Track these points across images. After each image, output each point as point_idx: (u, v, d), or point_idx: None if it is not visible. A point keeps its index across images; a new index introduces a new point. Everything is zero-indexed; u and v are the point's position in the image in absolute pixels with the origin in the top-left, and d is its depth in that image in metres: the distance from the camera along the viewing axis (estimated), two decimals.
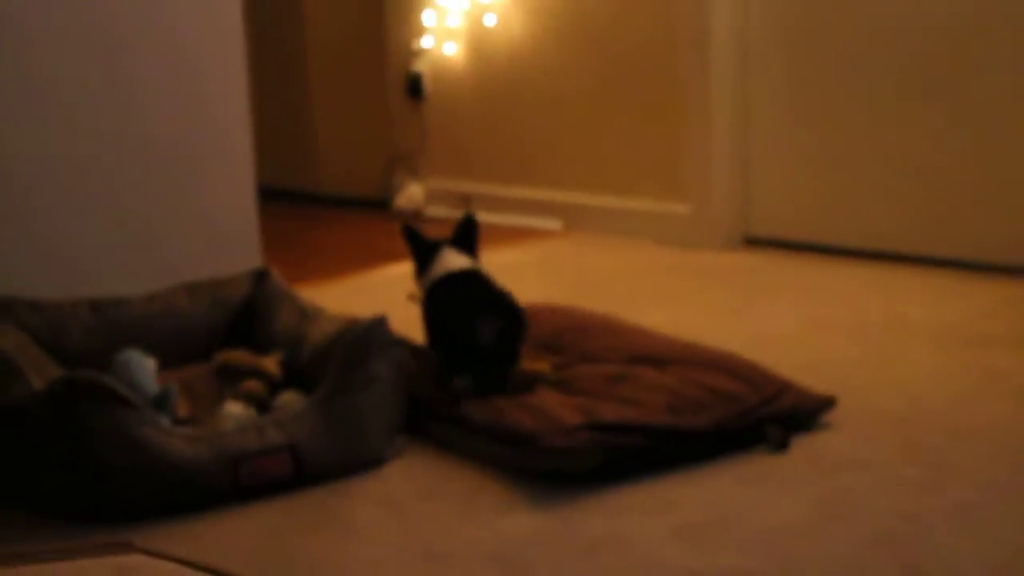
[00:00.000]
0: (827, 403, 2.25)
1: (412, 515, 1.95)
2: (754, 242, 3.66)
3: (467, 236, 2.43)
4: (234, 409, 2.18)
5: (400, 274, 3.51)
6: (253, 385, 2.26)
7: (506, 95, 4.13)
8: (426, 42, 4.29)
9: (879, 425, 2.23)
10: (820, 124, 3.51)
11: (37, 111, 2.51)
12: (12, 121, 2.47)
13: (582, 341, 2.48)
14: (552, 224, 3.97)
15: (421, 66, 4.32)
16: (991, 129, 3.21)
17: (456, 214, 4.19)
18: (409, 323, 2.37)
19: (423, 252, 2.40)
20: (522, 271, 3.44)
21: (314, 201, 4.69)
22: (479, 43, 4.18)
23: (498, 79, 4.14)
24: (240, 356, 2.35)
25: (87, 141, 2.60)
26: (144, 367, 2.20)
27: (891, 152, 3.39)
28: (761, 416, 2.16)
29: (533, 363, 2.31)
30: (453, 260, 2.35)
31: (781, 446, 2.12)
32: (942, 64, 3.27)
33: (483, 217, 4.19)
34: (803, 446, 2.14)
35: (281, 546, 1.87)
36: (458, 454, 2.16)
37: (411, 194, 4.32)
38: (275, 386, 2.28)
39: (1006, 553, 1.75)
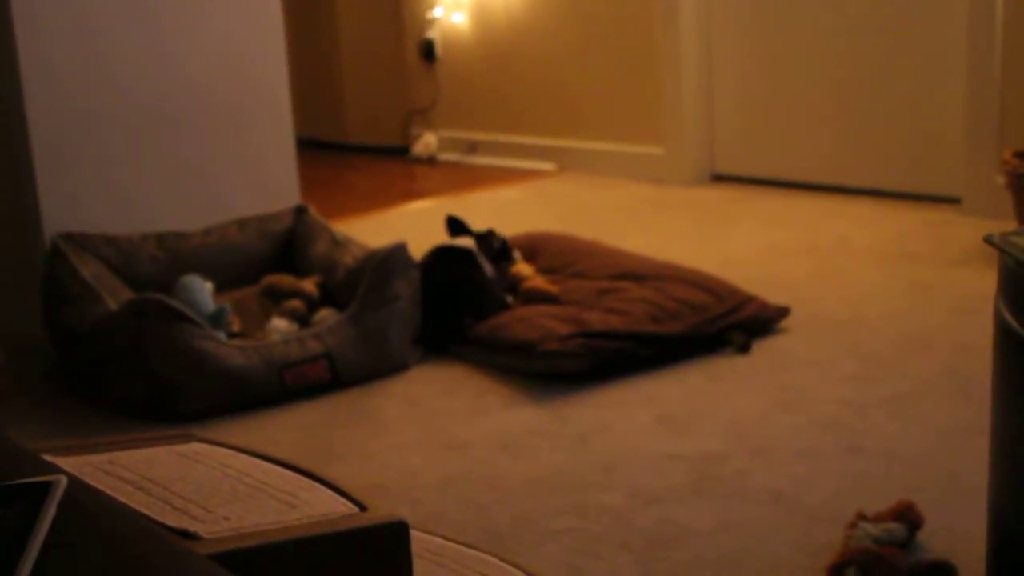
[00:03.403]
0: (783, 312, 2.25)
1: (432, 411, 1.95)
2: (720, 178, 3.64)
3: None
4: (279, 324, 2.18)
5: (417, 210, 3.51)
6: (295, 303, 2.25)
7: (505, 56, 4.09)
8: (438, 12, 4.25)
9: (827, 330, 2.22)
10: (777, 74, 3.47)
11: (107, 76, 2.49)
12: (88, 83, 2.45)
13: (574, 262, 2.46)
14: (546, 165, 3.95)
15: (433, 33, 4.28)
16: (925, 74, 3.18)
17: (465, 159, 4.18)
18: (425, 249, 2.35)
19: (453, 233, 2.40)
20: (521, 206, 3.43)
21: (343, 149, 4.67)
22: (482, 13, 4.14)
23: (498, 43, 4.10)
24: (283, 279, 2.34)
25: (151, 101, 2.57)
26: (202, 290, 2.19)
27: (837, 97, 3.36)
28: (727, 323, 2.16)
29: (546, 283, 2.31)
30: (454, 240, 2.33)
31: (744, 349, 2.12)
32: (883, 16, 3.23)
33: (486, 160, 4.21)
34: (762, 348, 2.14)
35: (321, 438, 1.87)
36: (468, 362, 2.15)
37: (426, 142, 4.31)
38: (313, 304, 2.28)
39: (932, 434, 1.75)
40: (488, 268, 2.25)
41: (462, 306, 2.20)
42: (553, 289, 2.29)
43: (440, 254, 2.25)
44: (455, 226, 2.41)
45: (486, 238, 2.35)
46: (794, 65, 3.44)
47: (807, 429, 1.79)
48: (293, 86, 3.03)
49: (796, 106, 3.46)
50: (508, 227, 2.59)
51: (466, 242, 2.30)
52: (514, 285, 2.32)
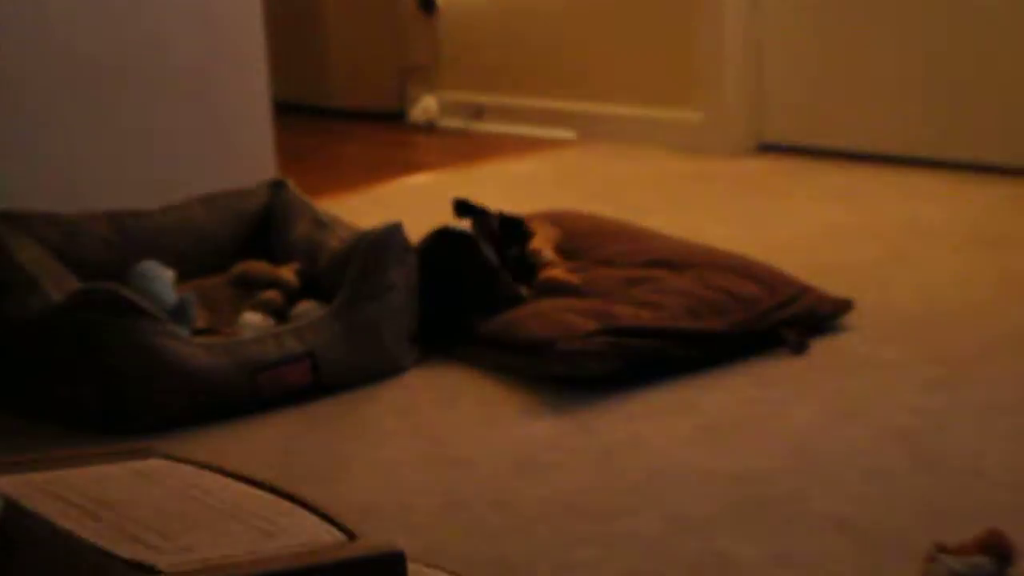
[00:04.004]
0: (844, 306, 2.23)
1: (433, 422, 1.95)
2: (768, 148, 3.62)
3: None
4: (252, 318, 2.17)
5: (414, 185, 3.50)
6: (271, 295, 2.24)
7: (518, 5, 4.07)
8: None
9: (895, 327, 2.21)
10: (836, 24, 3.45)
11: (46, 30, 2.48)
12: (24, 39, 2.44)
13: (598, 246, 2.45)
14: (565, 134, 3.94)
15: None
16: (1003, 29, 3.16)
17: (470, 126, 4.16)
18: (424, 232, 2.34)
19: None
20: (537, 181, 3.42)
21: (328, 115, 4.65)
22: None
23: None
24: (257, 266, 2.34)
25: (99, 59, 2.56)
26: (162, 278, 2.18)
27: (907, 53, 3.33)
28: (779, 319, 2.15)
29: (566, 272, 2.30)
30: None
31: (799, 348, 2.11)
32: None
33: (497, 128, 4.20)
34: (820, 348, 2.12)
35: (301, 453, 1.86)
36: (474, 364, 2.14)
37: (425, 106, 4.30)
38: (293, 295, 2.27)
39: (1018, 448, 1.74)
40: (491, 255, 2.24)
41: (467, 299, 2.19)
42: (574, 279, 2.28)
43: (438, 238, 2.25)
44: (463, 208, 2.41)
45: (482, 219, 2.34)
46: (858, 12, 3.42)
47: (875, 444, 1.78)
48: (269, 40, 3.02)
49: (862, 61, 3.43)
50: (520, 206, 2.58)
51: (463, 225, 2.29)
52: (532, 268, 2.30)
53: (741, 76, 3.60)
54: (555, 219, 2.57)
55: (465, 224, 2.31)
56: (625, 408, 1.94)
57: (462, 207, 2.41)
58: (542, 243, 2.39)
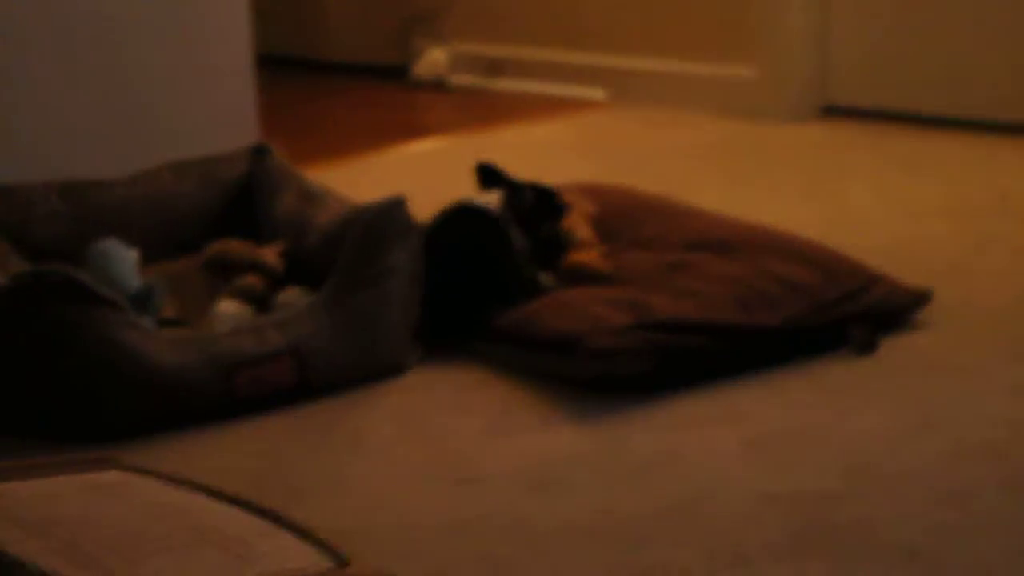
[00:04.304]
0: (921, 298, 2.23)
1: (437, 431, 1.95)
2: (833, 111, 3.62)
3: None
4: (229, 308, 2.17)
5: (421, 152, 3.50)
6: (251, 280, 2.24)
7: None
8: None
9: (979, 323, 2.21)
10: None
11: None
12: None
13: (633, 225, 2.45)
14: (595, 93, 3.94)
15: None
16: None
17: (485, 83, 4.16)
18: (431, 208, 2.34)
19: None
20: (560, 148, 3.42)
21: (319, 69, 4.66)
22: None
23: None
24: (235, 246, 2.33)
25: (51, 4, 2.57)
26: (124, 259, 2.19)
27: (995, 1, 3.33)
28: (843, 313, 2.14)
29: (594, 256, 2.29)
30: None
31: (867, 348, 2.11)
32: None
33: (515, 85, 4.20)
34: (891, 348, 2.12)
35: (284, 466, 1.86)
36: (487, 362, 2.15)
37: (433, 60, 4.30)
38: (276, 281, 2.27)
39: None
40: (518, 237, 2.24)
41: (479, 286, 2.19)
42: (603, 265, 2.28)
43: (452, 217, 2.24)
44: (489, 177, 2.40)
45: (517, 193, 2.33)
46: None
47: (955, 461, 1.78)
48: None
49: (945, 10, 3.42)
50: (542, 178, 2.58)
51: (489, 199, 2.28)
52: (562, 248, 2.28)
53: (805, 25, 3.59)
54: (583, 194, 2.57)
55: (491, 197, 2.30)
56: (661, 417, 1.94)
57: (488, 174, 2.39)
58: (577, 220, 2.38)
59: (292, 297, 2.20)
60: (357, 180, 3.08)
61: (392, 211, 2.15)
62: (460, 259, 2.22)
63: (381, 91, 4.30)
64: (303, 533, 0.90)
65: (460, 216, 2.25)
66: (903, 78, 3.51)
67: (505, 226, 2.24)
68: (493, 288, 2.20)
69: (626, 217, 2.50)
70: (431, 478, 1.80)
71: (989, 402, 1.94)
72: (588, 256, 2.30)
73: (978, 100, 3.38)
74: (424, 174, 3.07)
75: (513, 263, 2.23)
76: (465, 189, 2.41)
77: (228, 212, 2.51)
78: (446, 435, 1.93)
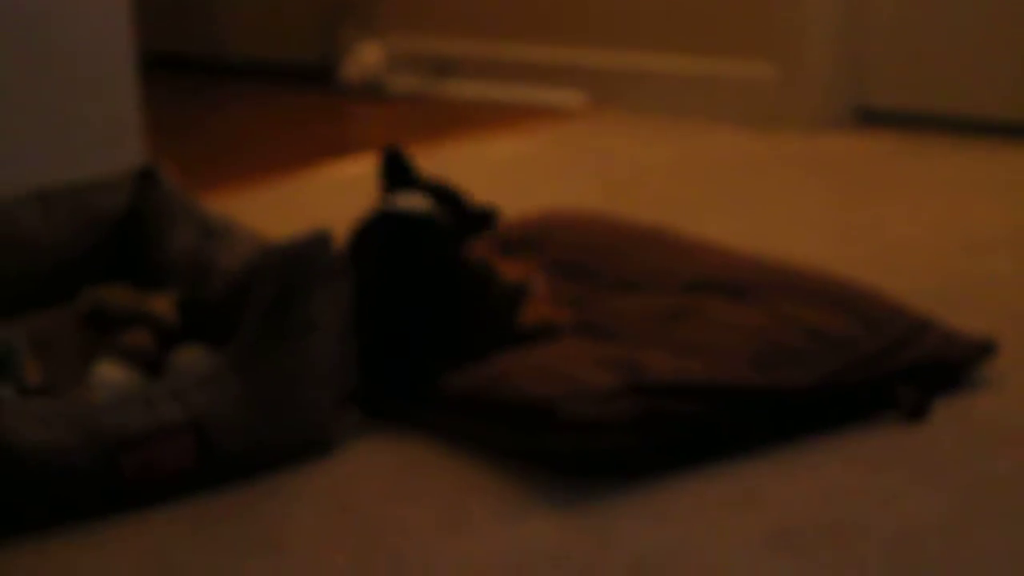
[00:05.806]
0: (982, 350, 2.25)
1: (377, 523, 1.95)
2: (870, 117, 3.65)
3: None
4: (110, 372, 2.18)
5: (351, 176, 3.51)
6: (137, 337, 2.25)
7: None
8: None
9: None
10: None
11: None
12: None
13: (619, 262, 2.48)
14: (571, 98, 3.97)
15: None
16: None
17: (433, 88, 4.18)
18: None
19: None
20: (529, 166, 3.43)
21: (221, 72, 4.68)
22: None
23: None
24: (117, 295, 2.35)
25: None
26: None
27: None
28: (887, 370, 2.16)
29: (539, 308, 2.30)
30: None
31: (917, 413, 2.12)
32: None
33: (471, 89, 4.21)
34: (950, 412, 2.14)
35: (183, 569, 1.86)
36: (440, 434, 2.15)
37: (365, 59, 4.32)
38: (169, 338, 2.28)
39: None
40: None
41: (432, 332, 2.19)
42: (555, 316, 2.29)
43: (381, 227, 2.25)
44: (395, 169, 2.39)
45: (451, 199, 2.33)
46: None
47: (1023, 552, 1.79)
48: None
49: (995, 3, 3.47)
50: (507, 205, 2.59)
51: (417, 203, 2.28)
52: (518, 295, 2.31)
53: (832, 12, 3.62)
54: (551, 226, 2.58)
55: (416, 200, 2.30)
56: (659, 504, 1.94)
57: (395, 167, 2.39)
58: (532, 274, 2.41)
59: (190, 358, 2.21)
60: (270, 211, 3.09)
61: (314, 251, 2.15)
62: (394, 290, 2.22)
63: (300, 99, 4.31)
64: None
65: (396, 225, 2.26)
66: (953, 76, 3.54)
67: (446, 234, 2.25)
68: (446, 332, 2.20)
69: (610, 252, 2.51)
70: None
71: None
72: (547, 309, 2.30)
73: None
74: (354, 204, 3.07)
75: (481, 287, 2.23)
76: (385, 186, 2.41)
77: (107, 252, 2.51)
78: (385, 531, 1.92)
